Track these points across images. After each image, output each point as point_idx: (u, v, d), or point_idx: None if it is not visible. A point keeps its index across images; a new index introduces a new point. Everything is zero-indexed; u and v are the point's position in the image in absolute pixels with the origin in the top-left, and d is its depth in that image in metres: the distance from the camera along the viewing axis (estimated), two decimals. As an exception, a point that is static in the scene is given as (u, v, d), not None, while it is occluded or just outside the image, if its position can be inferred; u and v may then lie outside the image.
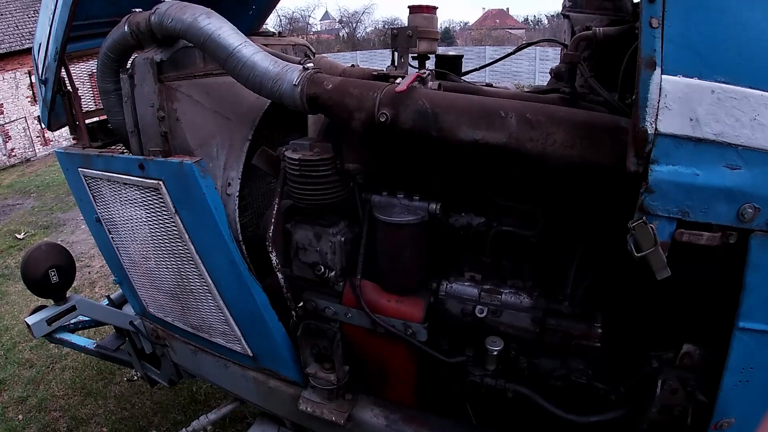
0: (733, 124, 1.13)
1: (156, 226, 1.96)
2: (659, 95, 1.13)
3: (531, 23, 49.71)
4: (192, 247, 1.89)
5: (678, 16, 1.11)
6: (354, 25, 44.09)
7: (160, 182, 1.81)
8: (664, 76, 1.12)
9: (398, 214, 1.69)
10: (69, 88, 2.21)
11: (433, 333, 1.81)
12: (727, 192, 1.16)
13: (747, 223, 1.18)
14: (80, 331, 3.26)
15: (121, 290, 2.86)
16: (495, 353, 1.68)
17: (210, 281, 1.95)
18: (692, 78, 1.12)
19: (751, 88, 1.12)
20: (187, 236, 1.87)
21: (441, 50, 1.96)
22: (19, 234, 7.38)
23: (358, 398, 2.04)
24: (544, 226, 1.67)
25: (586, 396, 1.72)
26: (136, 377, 2.96)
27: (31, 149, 15.33)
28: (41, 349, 4.07)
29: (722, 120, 1.13)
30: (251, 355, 2.11)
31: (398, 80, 1.66)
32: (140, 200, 1.94)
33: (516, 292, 1.73)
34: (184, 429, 2.48)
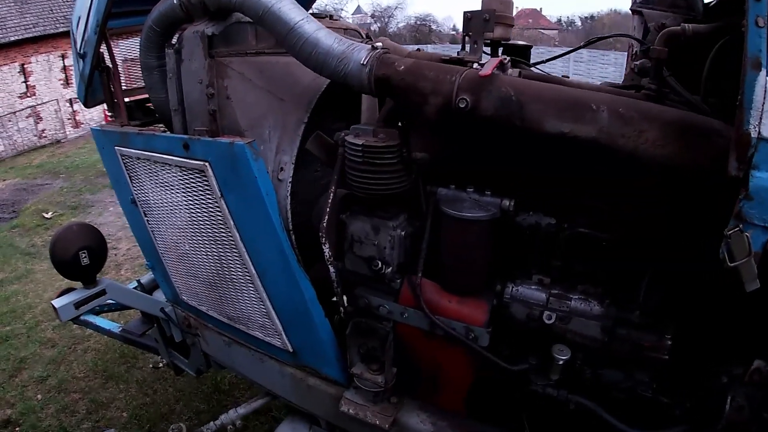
0: None
1: (197, 210, 1.75)
2: (764, 98, 1.04)
3: (564, 24, 48.68)
4: (236, 234, 1.68)
5: None
6: (386, 20, 42.95)
7: (206, 164, 1.58)
8: None
9: (468, 209, 1.47)
10: (108, 63, 2.02)
11: (495, 338, 1.59)
12: None
13: None
14: (105, 314, 3.10)
15: (151, 275, 2.68)
16: (561, 363, 1.48)
17: (253, 271, 1.74)
18: None
19: None
20: (231, 222, 1.66)
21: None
22: (47, 213, 7.13)
23: (403, 402, 1.83)
24: (621, 231, 1.46)
25: (648, 410, 1.55)
26: (161, 364, 2.78)
27: (62, 131, 15.06)
28: (64, 329, 3.83)
29: None
30: (291, 350, 1.90)
31: (475, 65, 1.45)
32: (182, 182, 1.72)
33: (586, 298, 1.52)
34: (212, 422, 2.27)
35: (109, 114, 2.08)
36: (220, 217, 1.68)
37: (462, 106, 1.32)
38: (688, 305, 1.53)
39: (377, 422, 1.75)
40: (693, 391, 1.52)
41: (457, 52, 1.57)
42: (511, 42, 1.80)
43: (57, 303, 2.07)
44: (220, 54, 1.63)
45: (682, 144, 1.22)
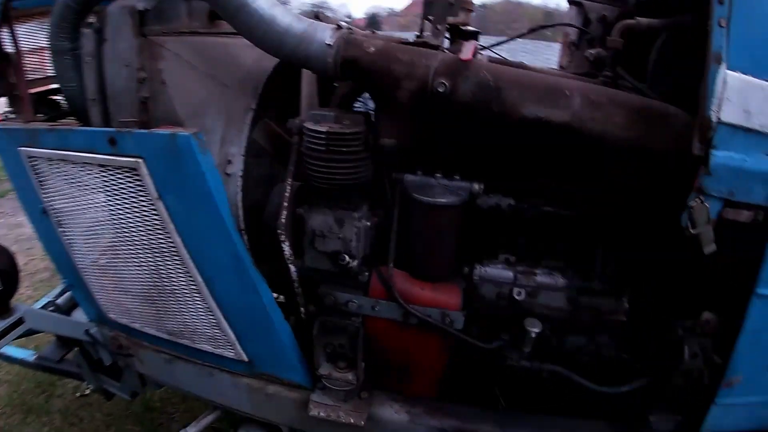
0: None
1: (128, 215, 1.50)
2: (723, 88, 1.19)
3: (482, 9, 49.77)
4: (178, 239, 1.47)
5: (740, 20, 1.19)
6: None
7: (140, 160, 1.35)
8: (728, 72, 1.19)
9: (440, 194, 1.42)
10: (9, 50, 1.69)
11: (467, 320, 1.57)
12: (765, 176, 1.27)
13: None
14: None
15: (58, 292, 2.35)
16: (534, 335, 1.50)
17: (200, 279, 1.54)
18: (748, 75, 1.21)
19: None
20: (172, 226, 1.45)
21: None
22: None
23: (373, 396, 1.76)
24: (585, 207, 1.53)
25: (613, 368, 1.67)
26: (88, 390, 2.46)
27: None
28: None
29: (766, 113, 1.23)
30: (247, 360, 1.74)
31: (443, 49, 1.41)
32: (107, 184, 1.47)
33: (550, 272, 1.57)
34: (158, 446, 2.07)
35: (7, 110, 1.75)
36: (157, 222, 1.47)
37: (440, 90, 1.27)
38: (642, 270, 1.63)
39: (352, 420, 1.67)
40: (651, 347, 1.64)
41: (416, 36, 1.50)
42: (460, 27, 1.76)
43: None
44: (153, 32, 1.42)
45: (646, 127, 1.33)
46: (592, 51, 1.70)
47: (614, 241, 1.58)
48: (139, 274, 1.66)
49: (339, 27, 1.34)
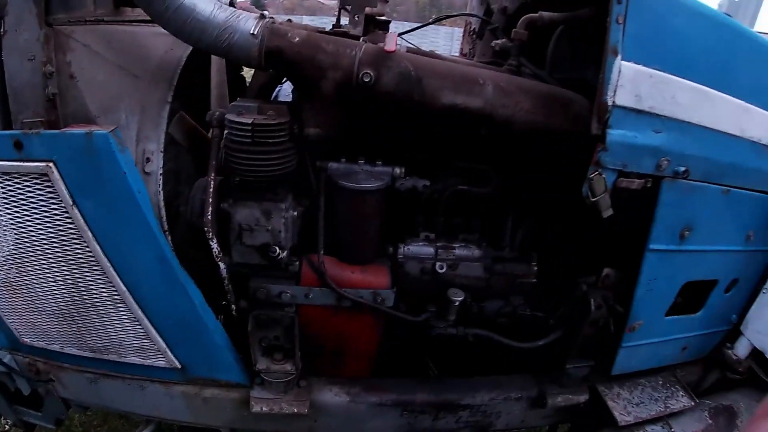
0: (660, 100, 1.44)
1: (38, 226, 1.43)
2: (618, 76, 1.36)
3: None
4: (97, 247, 1.42)
5: (634, 17, 1.34)
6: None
7: (50, 164, 1.30)
8: (622, 62, 1.35)
9: (365, 180, 1.51)
10: None
11: (396, 297, 1.67)
12: (652, 149, 1.47)
13: (661, 172, 1.51)
14: None
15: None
16: (457, 303, 1.64)
17: (123, 288, 1.50)
18: (639, 65, 1.38)
19: (672, 74, 1.43)
20: (90, 234, 1.40)
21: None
22: None
23: (312, 383, 1.81)
24: (496, 184, 1.70)
25: (529, 326, 1.86)
26: (7, 426, 2.24)
27: None
28: None
29: (654, 97, 1.43)
30: (179, 367, 1.70)
31: (363, 39, 1.49)
32: (11, 195, 1.39)
33: (467, 245, 1.72)
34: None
35: None
36: (72, 231, 1.41)
37: (366, 80, 1.35)
38: (547, 236, 1.83)
39: (295, 410, 1.71)
40: (561, 303, 1.85)
41: (333, 25, 1.55)
42: (377, 17, 1.84)
43: None
44: (59, 22, 1.34)
45: (550, 111, 1.50)
46: (498, 41, 1.85)
47: (522, 213, 1.77)
48: (55, 290, 1.58)
49: (263, 16, 1.36)
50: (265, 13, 1.37)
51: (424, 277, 1.66)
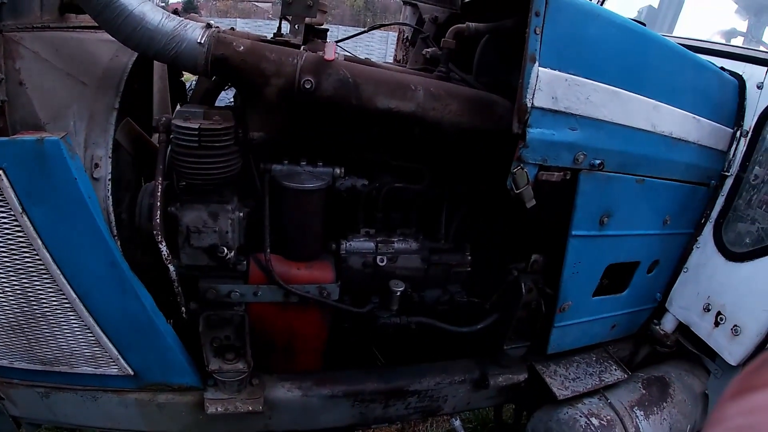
0: (575, 101, 1.61)
1: None
2: (536, 81, 1.52)
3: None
4: (47, 254, 1.47)
5: (551, 28, 1.50)
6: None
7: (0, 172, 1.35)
8: (540, 68, 1.51)
9: (307, 180, 1.64)
10: None
11: (341, 291, 1.79)
12: (569, 145, 1.64)
13: (579, 165, 1.69)
14: None
15: None
16: (398, 293, 1.78)
17: (73, 295, 1.55)
18: (556, 70, 1.55)
19: (586, 78, 1.61)
20: (39, 242, 1.45)
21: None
22: None
23: (264, 380, 1.89)
24: (429, 181, 1.88)
25: (467, 311, 2.03)
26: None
27: None
28: None
29: (570, 98, 1.60)
30: (132, 373, 1.75)
31: (302, 47, 1.61)
32: None
33: (405, 239, 1.88)
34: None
35: None
36: (20, 239, 1.46)
37: (307, 87, 1.47)
38: (479, 227, 2.02)
39: (250, 408, 1.79)
40: (495, 288, 2.02)
41: (274, 34, 1.67)
42: (316, 26, 1.97)
43: None
44: (8, 28, 1.40)
45: (475, 113, 1.66)
46: (429, 50, 2.05)
47: (455, 206, 1.95)
48: (3, 301, 1.60)
49: (209, 26, 1.47)
50: (211, 22, 1.48)
51: (366, 270, 1.80)
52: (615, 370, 2.23)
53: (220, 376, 1.78)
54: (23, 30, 1.47)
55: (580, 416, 2.03)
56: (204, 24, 1.47)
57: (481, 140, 1.72)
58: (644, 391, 2.25)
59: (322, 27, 1.74)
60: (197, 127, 1.46)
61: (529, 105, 1.51)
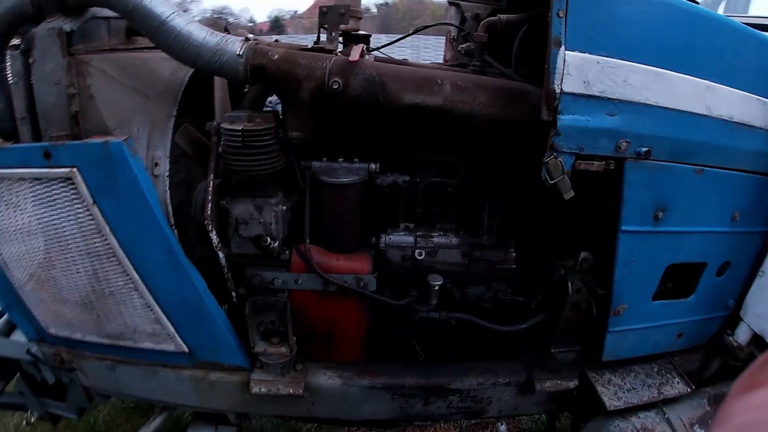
0: (610, 84, 1.58)
1: (63, 224, 1.77)
2: (563, 65, 1.52)
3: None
4: (114, 240, 1.75)
5: (576, 10, 1.50)
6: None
7: (74, 170, 1.64)
8: (567, 52, 1.52)
9: (343, 175, 1.81)
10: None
11: (380, 283, 1.94)
12: (608, 131, 1.62)
13: (622, 153, 1.65)
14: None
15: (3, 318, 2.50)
16: (436, 287, 1.89)
17: (137, 276, 1.82)
18: (585, 53, 1.54)
19: (621, 59, 1.58)
20: (107, 229, 1.73)
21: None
22: None
23: (308, 367, 2.09)
24: (465, 175, 1.96)
25: (511, 310, 2.05)
26: (33, 419, 2.58)
27: None
28: None
29: (604, 82, 1.57)
30: (187, 351, 2.01)
31: (336, 53, 1.78)
32: (42, 196, 1.74)
33: (445, 233, 1.98)
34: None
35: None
36: (93, 227, 1.75)
37: (335, 87, 1.64)
38: (524, 222, 2.06)
39: (291, 391, 1.99)
40: (541, 287, 2.04)
41: (314, 42, 1.88)
42: (354, 33, 2.15)
43: None
44: (79, 51, 1.71)
45: (506, 103, 1.72)
46: (464, 45, 2.13)
47: (498, 201, 2.00)
48: (78, 281, 1.91)
49: (247, 39, 1.70)
50: (250, 36, 1.68)
51: (405, 263, 1.93)
52: (678, 383, 2.12)
53: (265, 359, 1.99)
54: (93, 52, 1.78)
55: (632, 430, 1.98)
56: (243, 38, 1.69)
57: (517, 132, 1.75)
58: (709, 408, 2.13)
59: (362, 33, 1.89)
60: (241, 128, 1.69)
61: (557, 91, 1.53)
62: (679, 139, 1.74)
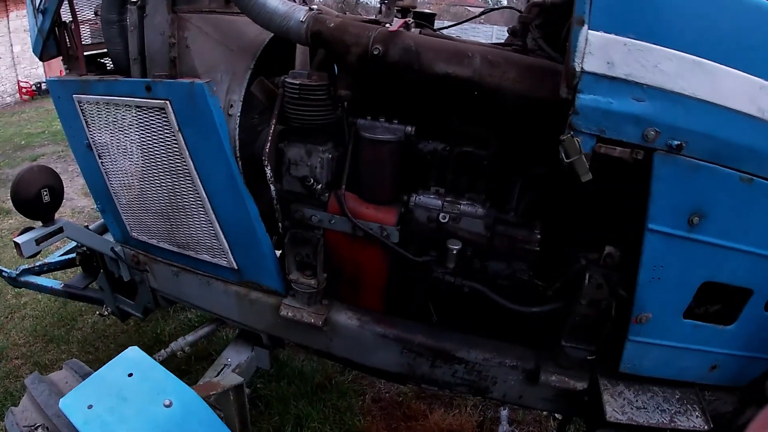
0: (638, 68, 1.54)
1: (154, 145, 2.21)
2: (585, 44, 1.53)
3: (491, 2, 52.00)
4: (191, 163, 2.15)
5: None
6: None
7: (167, 102, 2.06)
8: (590, 31, 1.52)
9: (381, 133, 2.07)
10: (65, 19, 2.42)
11: (403, 238, 2.16)
12: (634, 117, 1.57)
13: (650, 143, 1.60)
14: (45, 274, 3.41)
15: (98, 222, 3.05)
16: (455, 251, 2.04)
17: (204, 196, 2.21)
18: (610, 34, 1.53)
19: (652, 43, 1.53)
20: (187, 153, 2.13)
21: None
22: None
23: (333, 304, 2.38)
24: (496, 149, 2.08)
25: (527, 292, 2.11)
26: (106, 312, 3.14)
27: None
28: None
29: (630, 64, 1.54)
30: (236, 268, 2.38)
31: (386, 25, 2.03)
32: (141, 121, 2.18)
33: (472, 203, 2.11)
34: (163, 350, 2.70)
35: (65, 67, 2.48)
36: (176, 150, 2.16)
37: (376, 53, 1.91)
38: (552, 206, 2.12)
39: (312, 321, 2.29)
40: (560, 275, 2.07)
41: (375, 15, 2.16)
42: (418, 10, 2.39)
43: (20, 239, 2.44)
44: (181, 11, 2.14)
45: (534, 80, 1.81)
46: (510, 26, 2.28)
47: (530, 181, 2.08)
48: (159, 193, 2.36)
49: (311, 9, 2.02)
50: (314, 6, 1.99)
51: (430, 225, 2.12)
52: (696, 417, 1.93)
53: (297, 287, 2.31)
54: (192, 12, 2.20)
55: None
56: (308, 8, 2.01)
57: (548, 111, 1.79)
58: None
59: (428, 11, 2.12)
60: (299, 83, 2.02)
61: (577, 69, 1.54)
62: (722, 138, 1.61)
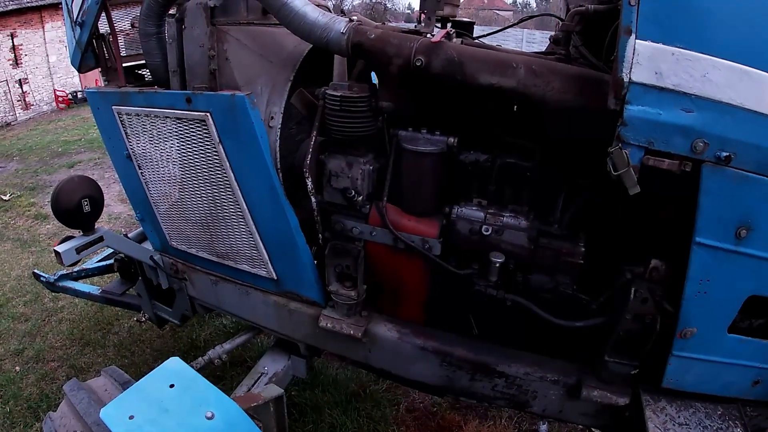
0: (686, 78, 1.54)
1: (195, 157, 2.28)
2: (633, 54, 1.54)
3: (519, 6, 53.33)
4: (231, 174, 2.21)
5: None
6: (341, -1, 44.47)
7: (207, 114, 2.12)
8: (637, 41, 1.53)
9: (423, 144, 2.09)
10: (103, 32, 2.48)
11: (445, 251, 2.18)
12: (683, 129, 1.57)
13: (699, 155, 1.59)
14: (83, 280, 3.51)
15: (137, 230, 3.13)
16: (497, 264, 2.05)
17: (245, 206, 2.27)
18: (658, 43, 1.53)
19: (700, 53, 1.53)
20: (228, 164, 2.19)
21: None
22: (5, 195, 7.53)
23: (372, 315, 2.41)
24: (539, 160, 2.08)
25: (571, 306, 2.09)
26: (144, 317, 3.21)
27: (11, 113, 16.02)
28: (35, 304, 4.28)
29: (679, 75, 1.54)
30: (276, 278, 2.44)
31: (427, 35, 2.05)
32: (181, 133, 2.26)
33: (515, 215, 2.12)
34: (200, 357, 2.75)
35: (103, 78, 2.54)
36: (217, 161, 2.21)
37: (418, 64, 1.93)
38: (597, 219, 2.10)
39: (351, 332, 2.32)
40: (605, 289, 2.07)
41: (415, 26, 2.18)
42: (457, 19, 2.39)
43: (60, 248, 2.52)
44: (219, 23, 2.19)
45: (579, 91, 1.81)
46: (553, 34, 2.26)
47: (574, 193, 2.08)
48: (200, 204, 2.42)
49: (351, 20, 2.05)
50: (354, 17, 2.00)
51: (473, 237, 2.14)
52: None
53: (336, 298, 2.35)
54: (231, 24, 2.25)
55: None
56: (348, 19, 2.03)
57: (593, 122, 1.78)
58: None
59: (466, 20, 2.11)
60: (340, 94, 2.06)
61: (626, 80, 1.54)
62: (773, 150, 1.62)
